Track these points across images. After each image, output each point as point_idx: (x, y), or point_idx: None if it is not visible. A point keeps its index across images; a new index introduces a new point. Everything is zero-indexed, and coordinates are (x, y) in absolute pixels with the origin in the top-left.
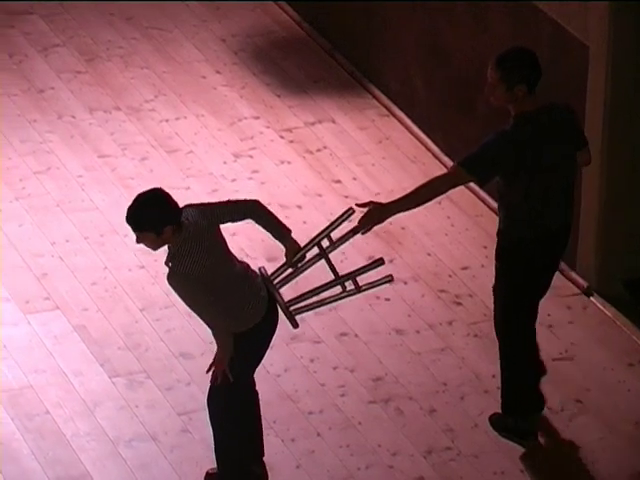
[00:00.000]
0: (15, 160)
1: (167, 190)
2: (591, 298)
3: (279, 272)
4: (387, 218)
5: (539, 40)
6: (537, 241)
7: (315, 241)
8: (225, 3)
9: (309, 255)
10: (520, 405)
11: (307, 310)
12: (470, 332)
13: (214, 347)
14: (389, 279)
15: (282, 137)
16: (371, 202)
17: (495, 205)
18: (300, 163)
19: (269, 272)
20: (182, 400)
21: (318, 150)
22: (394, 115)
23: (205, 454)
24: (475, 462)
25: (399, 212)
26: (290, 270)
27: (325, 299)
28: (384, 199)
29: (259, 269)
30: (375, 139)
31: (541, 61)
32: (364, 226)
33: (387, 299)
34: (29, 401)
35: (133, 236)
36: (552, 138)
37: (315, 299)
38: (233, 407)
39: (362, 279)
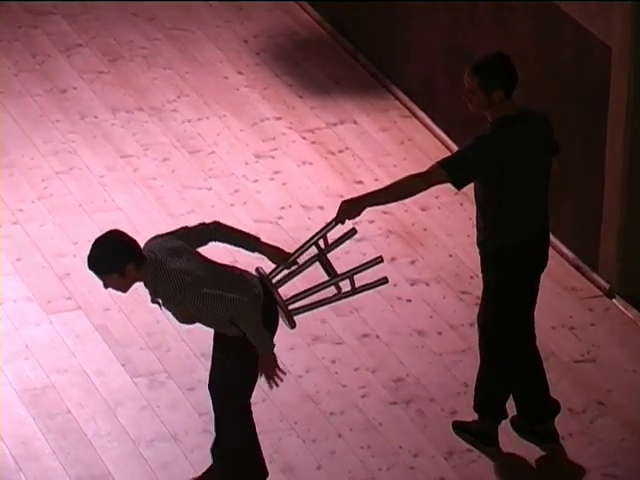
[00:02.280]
0: (38, 160)
1: (189, 191)
2: (613, 300)
3: (276, 273)
4: (361, 211)
5: (561, 41)
6: (519, 247)
7: (311, 242)
8: (247, 4)
9: (307, 255)
10: (493, 409)
11: (305, 311)
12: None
13: None
14: (384, 281)
15: (304, 138)
16: (344, 201)
17: None
18: (322, 164)
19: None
20: (203, 400)
21: (340, 151)
22: (416, 116)
23: None
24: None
25: (373, 205)
26: (286, 271)
27: (322, 300)
28: (406, 201)
29: (256, 269)
30: (397, 140)
31: (563, 62)
32: (339, 220)
33: (409, 300)
34: (51, 401)
35: None
36: (529, 143)
37: (312, 299)
38: (245, 424)
39: (360, 279)
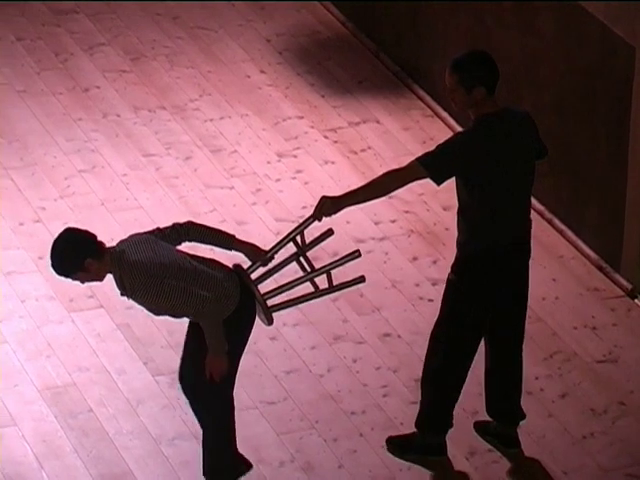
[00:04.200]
0: (60, 158)
1: (211, 190)
2: (635, 300)
3: (252, 270)
4: (340, 210)
5: (586, 41)
6: (497, 251)
7: (288, 239)
8: (270, 3)
9: (286, 253)
10: (441, 421)
11: (284, 307)
12: None
13: (257, 347)
14: (361, 280)
15: (326, 137)
16: (324, 196)
17: (539, 207)
18: (344, 163)
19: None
20: None
21: (362, 150)
22: (438, 116)
23: (247, 453)
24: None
25: (352, 205)
26: (263, 268)
27: (301, 297)
28: (428, 200)
29: (234, 265)
30: (419, 140)
31: (587, 62)
32: (316, 217)
33: (430, 300)
34: (73, 399)
35: None
36: (510, 141)
37: (290, 296)
38: (225, 409)
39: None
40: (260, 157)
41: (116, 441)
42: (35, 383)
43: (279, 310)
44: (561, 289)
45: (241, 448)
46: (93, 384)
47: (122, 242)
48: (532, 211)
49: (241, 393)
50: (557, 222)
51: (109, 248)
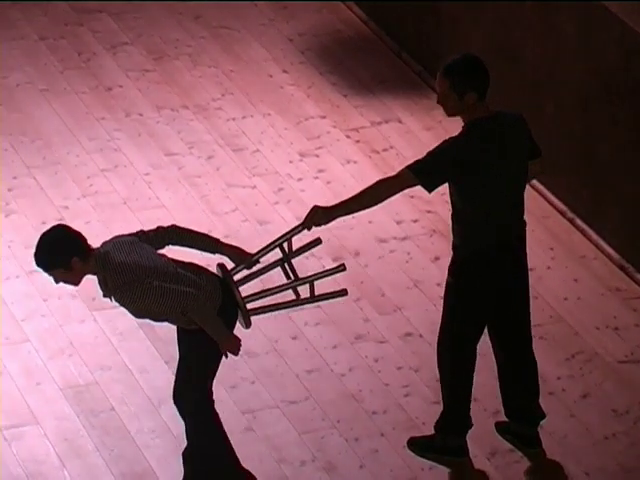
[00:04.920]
0: (83, 157)
1: (233, 189)
2: None
3: (235, 272)
4: (332, 220)
5: (608, 41)
6: (492, 253)
7: (275, 244)
8: (292, 3)
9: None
10: (457, 423)
11: (263, 312)
12: (535, 334)
13: (278, 346)
14: (343, 293)
15: (348, 137)
16: (315, 206)
17: (561, 207)
18: (366, 163)
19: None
20: (246, 398)
21: (384, 150)
22: None
23: (268, 452)
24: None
25: (344, 215)
26: (247, 271)
27: (281, 303)
28: (449, 200)
29: (217, 265)
30: (441, 139)
31: (610, 62)
32: (306, 226)
33: None
34: (94, 397)
35: None
36: (502, 146)
37: (271, 301)
38: (205, 412)
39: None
40: (282, 156)
41: (137, 440)
42: (57, 382)
43: (258, 314)
44: (583, 289)
45: (262, 447)
46: (115, 383)
47: (106, 243)
48: (554, 211)
49: (262, 392)
50: (579, 222)
51: (94, 250)
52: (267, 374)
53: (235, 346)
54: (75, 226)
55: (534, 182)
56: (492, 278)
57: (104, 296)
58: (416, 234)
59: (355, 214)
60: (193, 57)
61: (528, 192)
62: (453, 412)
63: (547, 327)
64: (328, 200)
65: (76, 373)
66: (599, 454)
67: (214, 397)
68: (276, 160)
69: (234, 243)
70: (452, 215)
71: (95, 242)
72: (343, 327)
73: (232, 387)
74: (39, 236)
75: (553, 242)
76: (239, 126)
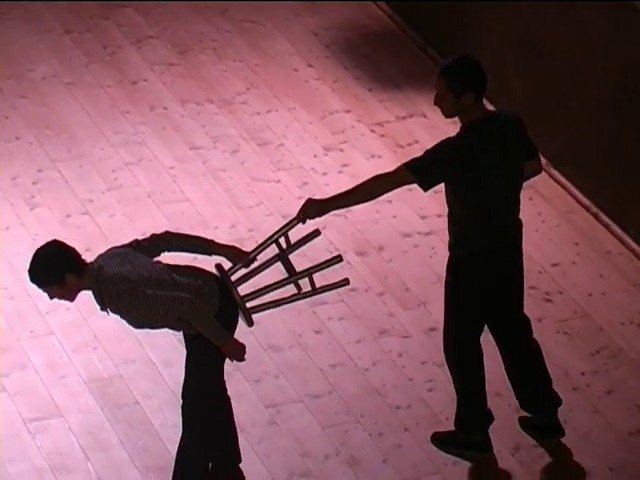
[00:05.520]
0: (107, 151)
1: (258, 183)
2: None
3: (233, 271)
4: (325, 214)
5: (634, 39)
6: (488, 253)
7: (271, 240)
8: None
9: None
10: (475, 418)
11: (264, 309)
12: (560, 329)
13: (303, 340)
14: (345, 283)
15: (373, 131)
16: (309, 199)
17: (585, 202)
18: (391, 157)
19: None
20: (270, 392)
21: (409, 144)
22: None
23: (292, 446)
24: None
25: (337, 208)
26: (245, 269)
27: (282, 299)
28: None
29: (216, 265)
30: None
31: (634, 58)
32: (300, 220)
33: None
34: (119, 391)
35: (225, 228)
36: (498, 146)
37: (271, 298)
38: (215, 411)
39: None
40: (307, 151)
41: (161, 433)
42: (81, 375)
43: (259, 312)
44: (608, 285)
45: (286, 441)
46: (139, 376)
47: (100, 257)
48: (579, 206)
49: (286, 387)
50: (604, 217)
51: (88, 265)
52: (291, 368)
53: (238, 351)
54: (100, 220)
55: (559, 177)
56: (488, 278)
57: (101, 310)
58: (440, 229)
59: (380, 210)
60: (218, 51)
61: (553, 187)
62: (468, 409)
63: (571, 322)
64: None
65: (100, 366)
66: (623, 450)
67: (238, 390)
68: (300, 154)
69: (258, 237)
70: (448, 215)
71: (119, 235)
72: (367, 322)
73: (256, 381)
74: (33, 252)
75: (578, 237)
76: (264, 120)
